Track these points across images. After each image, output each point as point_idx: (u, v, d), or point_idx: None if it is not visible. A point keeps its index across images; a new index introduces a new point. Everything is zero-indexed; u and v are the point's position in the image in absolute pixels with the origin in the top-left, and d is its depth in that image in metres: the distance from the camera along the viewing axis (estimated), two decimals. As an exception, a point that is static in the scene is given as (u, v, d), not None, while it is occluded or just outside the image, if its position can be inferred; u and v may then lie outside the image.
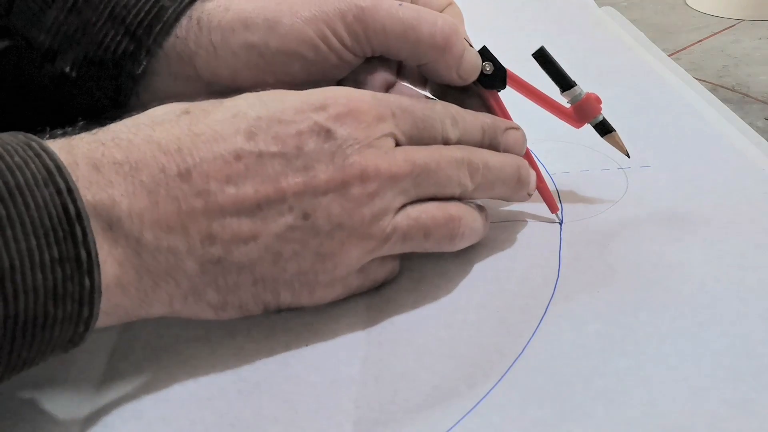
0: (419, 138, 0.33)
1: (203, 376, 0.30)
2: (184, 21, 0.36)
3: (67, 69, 0.37)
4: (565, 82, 0.39)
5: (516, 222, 0.39)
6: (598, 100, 0.39)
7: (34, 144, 0.25)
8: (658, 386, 0.29)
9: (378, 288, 0.34)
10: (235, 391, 0.29)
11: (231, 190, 0.28)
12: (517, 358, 0.30)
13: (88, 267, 0.25)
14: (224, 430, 0.28)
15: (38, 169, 0.25)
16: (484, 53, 0.37)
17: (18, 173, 0.24)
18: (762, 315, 0.32)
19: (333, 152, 0.30)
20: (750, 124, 0.48)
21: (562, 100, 0.39)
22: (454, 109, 0.35)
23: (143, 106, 0.31)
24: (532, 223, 0.39)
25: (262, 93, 0.31)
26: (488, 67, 0.37)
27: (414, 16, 0.35)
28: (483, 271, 0.35)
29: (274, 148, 0.29)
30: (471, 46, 0.37)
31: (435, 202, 0.33)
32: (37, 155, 0.25)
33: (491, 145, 0.36)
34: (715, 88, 0.52)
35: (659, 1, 0.71)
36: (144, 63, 0.36)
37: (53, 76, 0.37)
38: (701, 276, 0.34)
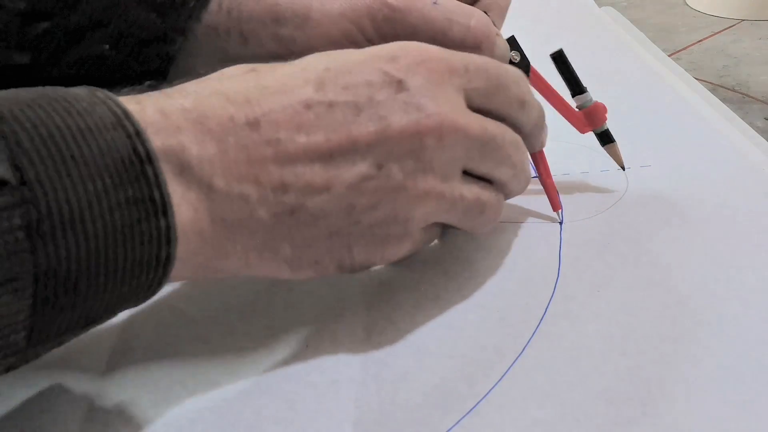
0: (490, 100, 0.32)
1: (203, 376, 0.30)
2: (213, 7, 0.36)
3: (106, 47, 0.36)
4: (578, 87, 0.39)
5: (516, 222, 0.39)
6: (605, 110, 0.40)
7: (99, 93, 0.25)
8: (658, 386, 0.29)
9: (378, 288, 0.34)
10: (235, 391, 0.29)
11: (301, 139, 0.27)
12: (517, 358, 0.30)
13: (163, 208, 0.24)
14: (224, 430, 0.28)
15: (105, 114, 0.24)
16: (513, 43, 0.37)
17: (86, 116, 0.24)
18: (762, 315, 0.32)
19: (406, 103, 0.29)
20: (750, 124, 0.48)
21: (572, 104, 0.40)
22: (523, 79, 0.34)
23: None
24: (532, 223, 0.39)
25: (329, 51, 0.31)
26: (516, 57, 0.37)
27: (446, 18, 0.34)
28: (483, 271, 0.35)
29: (344, 98, 0.28)
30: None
31: (486, 183, 0.33)
32: (104, 102, 0.25)
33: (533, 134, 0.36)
34: (715, 88, 0.52)
35: (659, 1, 0.71)
36: (178, 43, 0.36)
37: (89, 57, 0.37)
38: (701, 276, 0.34)
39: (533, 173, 0.43)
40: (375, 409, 0.28)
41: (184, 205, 0.26)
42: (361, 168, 0.28)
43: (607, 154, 0.41)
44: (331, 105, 0.28)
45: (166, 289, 0.34)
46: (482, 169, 0.32)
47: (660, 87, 0.53)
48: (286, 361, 0.31)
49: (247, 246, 0.28)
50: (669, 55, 0.60)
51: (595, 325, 0.32)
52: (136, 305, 0.26)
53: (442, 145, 0.29)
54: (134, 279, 0.25)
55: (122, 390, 0.29)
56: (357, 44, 0.35)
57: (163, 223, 0.24)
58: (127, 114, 0.25)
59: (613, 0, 0.69)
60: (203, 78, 0.29)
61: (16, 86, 0.36)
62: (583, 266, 0.35)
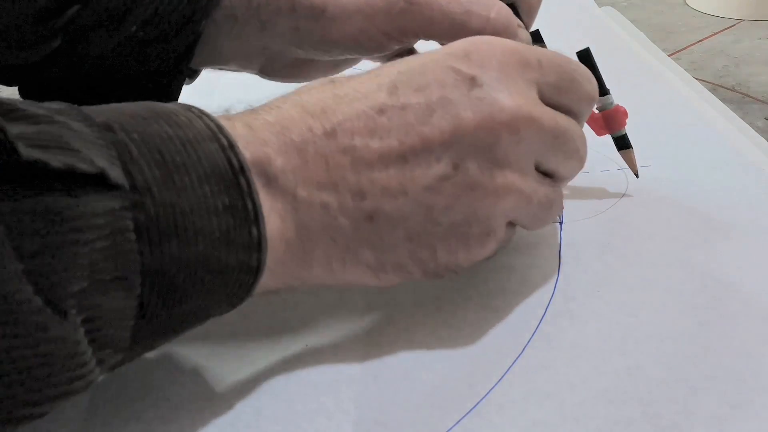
0: (562, 94, 0.32)
1: (203, 376, 0.30)
2: None
3: (134, 29, 0.37)
4: (602, 88, 0.39)
5: (516, 222, 0.39)
6: (626, 114, 0.40)
7: (194, 109, 0.26)
8: (658, 386, 0.29)
9: (378, 288, 0.34)
10: (235, 391, 0.29)
11: (375, 144, 0.28)
12: (517, 358, 0.30)
13: (255, 216, 0.25)
14: (224, 430, 0.28)
15: (202, 127, 0.25)
16: (537, 36, 0.37)
17: (187, 129, 0.25)
18: (762, 315, 0.32)
19: (480, 99, 0.29)
20: (750, 124, 0.48)
21: None
22: (592, 78, 0.34)
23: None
24: (532, 223, 0.39)
25: (405, 57, 0.31)
26: None
27: (465, 10, 0.35)
28: (483, 271, 0.35)
29: (416, 99, 0.29)
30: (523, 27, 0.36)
31: (553, 180, 0.32)
32: (199, 116, 0.26)
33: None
34: (715, 88, 0.52)
35: (659, 1, 0.71)
36: (203, 25, 0.37)
37: (120, 41, 0.38)
38: (701, 276, 0.34)
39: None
40: (375, 409, 0.28)
41: (272, 214, 0.27)
42: (436, 169, 0.28)
43: (608, 153, 0.41)
44: (403, 108, 0.28)
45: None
46: (552, 163, 0.31)
47: (660, 87, 0.53)
48: (286, 361, 0.31)
49: (329, 254, 0.28)
50: (669, 55, 0.60)
51: (595, 325, 0.32)
52: (222, 313, 0.27)
53: (517, 139, 0.29)
54: (227, 286, 0.26)
55: (122, 390, 0.29)
56: (373, 39, 0.35)
57: (254, 231, 0.25)
58: (220, 128, 0.26)
59: (613, 0, 0.68)
60: (286, 94, 0.30)
61: (51, 72, 0.37)
62: (583, 266, 0.35)
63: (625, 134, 0.40)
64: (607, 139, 0.40)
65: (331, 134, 0.28)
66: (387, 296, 0.34)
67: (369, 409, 0.28)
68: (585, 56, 0.39)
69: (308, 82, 0.30)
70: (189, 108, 0.26)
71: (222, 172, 0.25)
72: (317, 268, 0.29)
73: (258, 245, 0.26)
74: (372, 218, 0.28)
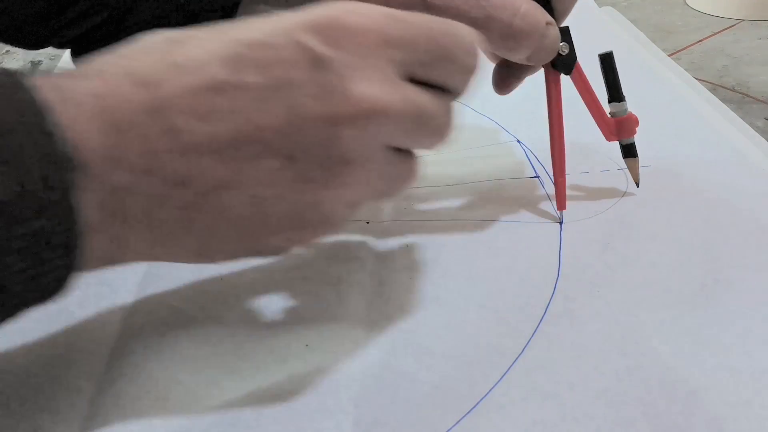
0: (432, 71, 0.29)
1: (203, 376, 0.30)
2: None
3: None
4: (618, 94, 0.39)
5: (516, 222, 0.39)
6: (637, 123, 0.39)
7: (14, 76, 0.24)
8: (658, 386, 0.29)
9: (378, 288, 0.34)
10: (235, 391, 0.29)
11: (203, 128, 0.25)
12: (517, 358, 0.30)
13: (68, 214, 0.23)
14: (224, 430, 0.28)
15: (12, 107, 0.23)
16: (565, 34, 0.36)
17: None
18: (762, 315, 0.32)
19: (325, 85, 0.26)
20: (750, 124, 0.48)
21: (606, 109, 0.39)
22: (474, 47, 0.30)
23: None
24: (532, 223, 0.39)
25: (261, 16, 0.28)
26: (565, 50, 0.36)
27: (486, 15, 0.33)
28: (483, 271, 0.35)
29: (255, 78, 0.25)
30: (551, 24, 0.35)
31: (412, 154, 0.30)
32: (12, 90, 0.23)
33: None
34: (715, 88, 0.52)
35: (659, 1, 0.71)
36: None
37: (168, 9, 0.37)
38: (701, 276, 0.34)
39: (533, 173, 0.43)
40: (375, 409, 0.28)
41: (87, 205, 0.24)
42: (270, 161, 0.26)
43: (607, 154, 0.41)
44: (239, 87, 0.25)
45: (166, 289, 0.34)
46: (409, 144, 0.29)
47: (660, 87, 0.53)
48: (286, 361, 0.31)
49: (150, 240, 0.26)
50: (669, 55, 0.60)
51: (595, 325, 0.32)
52: (48, 297, 0.25)
53: (362, 133, 0.26)
54: (34, 280, 0.24)
55: (122, 390, 0.29)
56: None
57: (65, 224, 0.23)
58: (37, 110, 0.23)
59: (613, 0, 0.69)
60: (118, 51, 0.26)
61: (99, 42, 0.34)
62: (583, 266, 0.35)
63: (633, 143, 0.40)
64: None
65: (156, 112, 0.25)
66: (387, 296, 0.34)
67: (369, 409, 0.28)
68: (607, 59, 0.38)
69: (148, 36, 0.27)
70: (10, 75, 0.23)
71: (31, 163, 0.22)
72: (136, 253, 0.27)
73: (68, 237, 0.24)
74: (195, 208, 0.26)
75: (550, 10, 0.35)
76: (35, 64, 0.63)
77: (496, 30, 0.33)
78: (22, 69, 0.62)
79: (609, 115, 0.39)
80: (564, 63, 0.37)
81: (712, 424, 0.27)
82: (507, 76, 0.38)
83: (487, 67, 0.36)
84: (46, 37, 0.39)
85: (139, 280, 0.35)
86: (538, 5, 0.34)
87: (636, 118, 0.39)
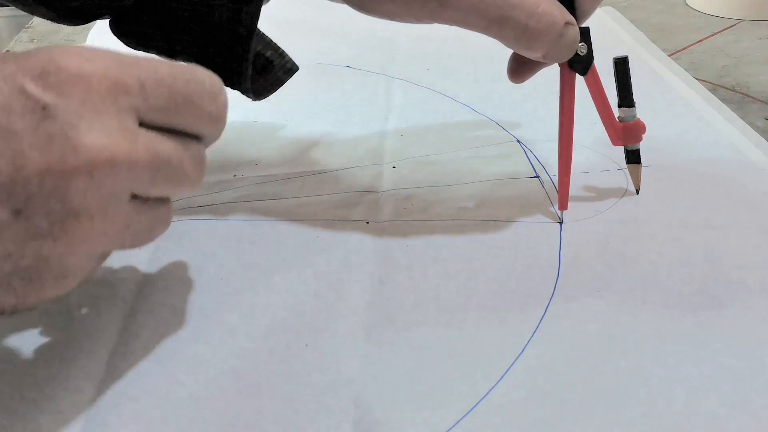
0: (173, 117, 0.27)
1: (203, 376, 0.30)
2: None
3: None
4: (629, 99, 0.39)
5: (516, 222, 0.39)
6: (644, 130, 0.39)
7: None
8: (658, 386, 0.29)
9: (378, 288, 0.34)
10: (235, 391, 0.29)
11: None
12: (517, 358, 0.30)
13: None
14: (224, 430, 0.28)
15: None
16: (585, 34, 0.36)
17: None
18: (762, 315, 0.32)
19: (50, 135, 0.24)
20: (750, 124, 0.48)
21: (616, 113, 0.39)
22: (221, 91, 0.29)
23: None
24: (532, 223, 0.39)
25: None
26: (583, 50, 0.36)
27: (500, 15, 0.32)
28: (483, 271, 0.35)
29: None
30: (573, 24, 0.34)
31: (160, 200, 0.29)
32: None
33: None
34: (715, 88, 0.52)
35: (659, 1, 0.71)
36: None
37: None
38: (701, 276, 0.34)
39: (533, 173, 0.43)
40: (375, 409, 0.28)
41: None
42: None
43: (607, 153, 0.41)
44: None
45: (166, 289, 0.34)
46: (154, 192, 0.28)
47: (660, 87, 0.53)
48: (286, 361, 0.31)
49: None
50: (669, 55, 0.60)
51: (595, 325, 0.32)
52: None
53: (96, 184, 0.25)
54: None
55: (122, 390, 0.29)
56: (410, 19, 0.33)
57: None
58: None
59: (613, 0, 0.68)
60: None
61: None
62: (583, 266, 0.35)
63: (638, 149, 0.40)
64: (607, 139, 0.40)
65: None
66: (387, 296, 0.34)
67: (369, 409, 0.28)
68: (622, 64, 0.38)
69: None
70: None
71: None
72: None
73: None
74: None
75: (572, 9, 0.35)
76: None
77: (510, 30, 0.33)
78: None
79: (617, 120, 0.39)
80: (581, 63, 0.36)
81: (712, 424, 0.27)
82: (522, 65, 0.38)
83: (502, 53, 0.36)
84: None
85: (139, 280, 0.35)
86: (560, 4, 0.33)
87: (643, 125, 0.39)
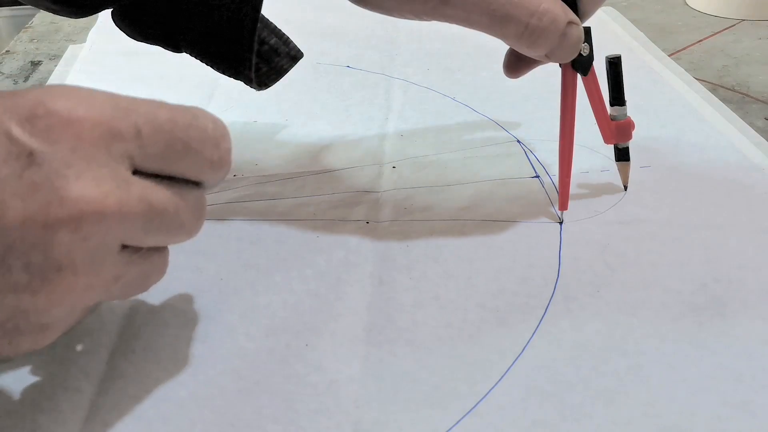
0: (171, 165, 0.26)
1: (203, 376, 0.30)
2: None
3: None
4: (620, 98, 0.39)
5: (516, 222, 0.39)
6: (634, 127, 0.39)
7: None
8: (658, 386, 0.29)
9: (378, 288, 0.34)
10: (235, 391, 0.29)
11: None
12: (517, 358, 0.30)
13: None
14: (224, 430, 0.28)
15: None
16: (586, 34, 0.35)
17: None
18: (762, 315, 0.32)
19: (35, 184, 0.22)
20: (750, 124, 0.48)
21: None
22: (224, 135, 0.27)
23: None
24: (532, 223, 0.39)
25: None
26: (585, 50, 0.36)
27: (504, 15, 0.31)
28: (483, 271, 0.35)
29: None
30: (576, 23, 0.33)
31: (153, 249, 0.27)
32: None
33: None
34: (715, 88, 0.52)
35: (659, 1, 0.70)
36: None
37: None
38: (701, 276, 0.34)
39: (533, 173, 0.43)
40: (375, 409, 0.28)
41: None
42: None
43: (607, 153, 0.41)
44: None
45: (166, 289, 0.34)
46: (147, 242, 0.26)
47: (660, 87, 0.53)
48: (286, 361, 0.31)
49: None
50: (669, 55, 0.60)
51: (595, 325, 0.32)
52: None
53: (82, 237, 0.23)
54: None
55: (122, 390, 0.29)
56: (411, 16, 0.33)
57: None
58: None
59: (613, 0, 0.68)
60: None
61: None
62: (583, 266, 0.35)
63: (628, 147, 0.40)
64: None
65: None
66: (387, 296, 0.34)
67: (369, 409, 0.28)
68: (615, 64, 0.38)
69: None
70: None
71: None
72: None
73: None
74: None
75: (575, 9, 0.34)
76: (35, 64, 0.63)
77: (512, 29, 0.32)
78: (22, 69, 0.62)
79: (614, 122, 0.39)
80: (582, 64, 0.36)
81: (712, 424, 0.27)
82: (518, 61, 0.37)
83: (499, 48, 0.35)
84: None
85: (139, 280, 0.35)
86: (563, 4, 0.33)
87: (633, 123, 0.39)
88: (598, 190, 0.41)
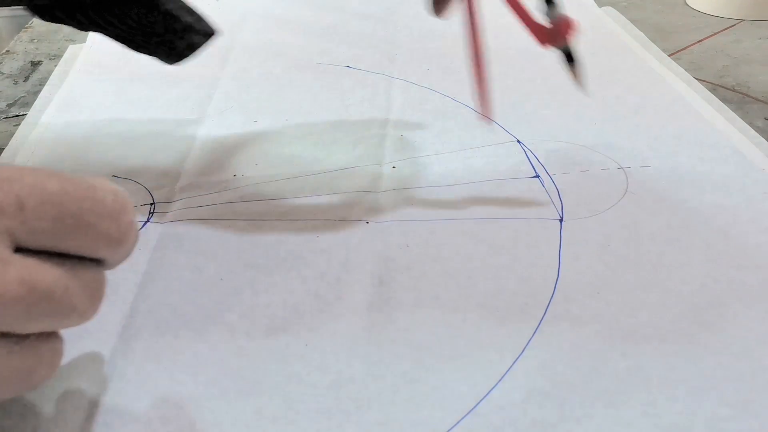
0: (62, 241, 0.23)
1: (203, 376, 0.30)
2: None
3: None
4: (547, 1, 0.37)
5: (516, 221, 0.39)
6: (572, 26, 0.37)
7: None
8: (658, 386, 0.29)
9: (378, 288, 0.34)
10: (235, 391, 0.29)
11: None
12: (517, 358, 0.30)
13: None
14: (224, 430, 0.28)
15: None
16: None
17: None
18: (762, 315, 0.32)
19: None
20: (750, 124, 0.48)
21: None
22: (125, 209, 0.25)
23: None
24: (532, 223, 0.39)
25: None
26: None
27: None
28: (483, 270, 0.35)
29: None
30: None
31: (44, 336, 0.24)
32: None
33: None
34: (715, 88, 0.52)
35: (659, 1, 0.70)
36: None
37: None
38: (701, 276, 0.34)
39: (533, 173, 0.43)
40: (375, 409, 0.28)
41: None
42: None
43: (607, 153, 0.41)
44: None
45: (167, 289, 0.34)
46: (31, 329, 0.23)
47: (660, 87, 0.53)
48: (286, 361, 0.31)
49: None
50: (669, 55, 0.60)
51: (595, 326, 0.32)
52: None
53: None
54: None
55: (122, 390, 0.29)
56: None
57: None
58: None
59: (613, 0, 0.68)
60: None
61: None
62: (583, 266, 0.35)
63: (569, 48, 0.37)
64: (607, 138, 0.40)
65: None
66: (387, 296, 0.34)
67: (369, 409, 0.28)
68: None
69: None
70: None
71: None
72: None
73: None
74: None
75: None
76: (35, 64, 0.63)
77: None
78: (22, 69, 0.62)
79: (545, 24, 0.37)
80: None
81: (712, 424, 0.27)
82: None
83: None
84: None
85: (139, 280, 0.35)
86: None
87: (572, 22, 0.37)
88: (599, 190, 0.41)
